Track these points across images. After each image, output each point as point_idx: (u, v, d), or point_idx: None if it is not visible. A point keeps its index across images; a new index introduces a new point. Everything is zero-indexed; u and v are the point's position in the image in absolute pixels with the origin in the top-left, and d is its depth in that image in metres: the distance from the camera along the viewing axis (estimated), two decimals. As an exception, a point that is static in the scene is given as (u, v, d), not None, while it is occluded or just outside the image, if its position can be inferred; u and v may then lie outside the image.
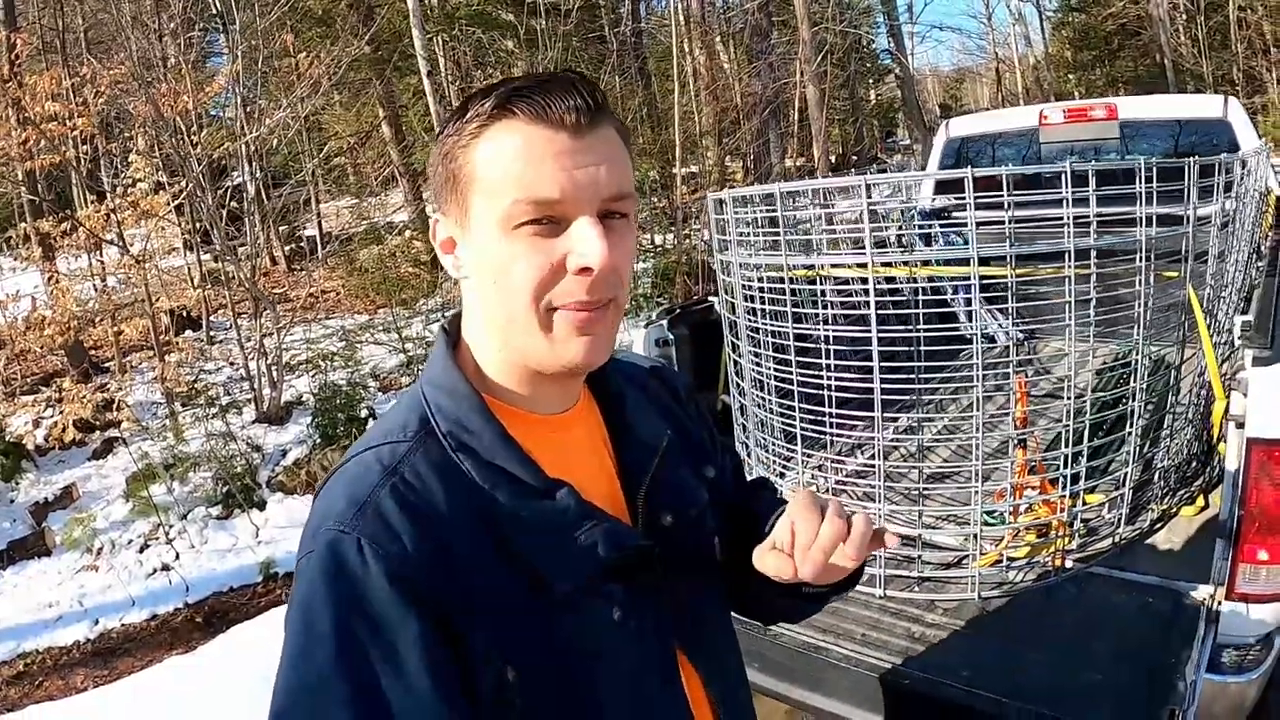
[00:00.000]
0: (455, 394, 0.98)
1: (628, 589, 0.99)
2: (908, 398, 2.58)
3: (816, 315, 2.75)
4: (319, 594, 0.85)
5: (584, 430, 1.08)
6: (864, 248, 2.41)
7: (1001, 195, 2.26)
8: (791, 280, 2.74)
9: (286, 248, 15.10)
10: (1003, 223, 2.30)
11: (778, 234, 2.64)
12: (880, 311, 2.41)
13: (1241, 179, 2.78)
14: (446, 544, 0.88)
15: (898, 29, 24.83)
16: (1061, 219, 2.29)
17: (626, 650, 0.98)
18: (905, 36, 27.75)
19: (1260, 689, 2.32)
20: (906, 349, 2.57)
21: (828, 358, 2.54)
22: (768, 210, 2.83)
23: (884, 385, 2.44)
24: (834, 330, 2.63)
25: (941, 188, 4.90)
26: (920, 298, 2.85)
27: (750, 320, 2.81)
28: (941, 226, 4.65)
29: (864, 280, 2.78)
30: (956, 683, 2.13)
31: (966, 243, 2.33)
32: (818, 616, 1.41)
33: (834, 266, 2.93)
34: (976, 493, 2.47)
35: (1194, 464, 2.99)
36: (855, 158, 23.42)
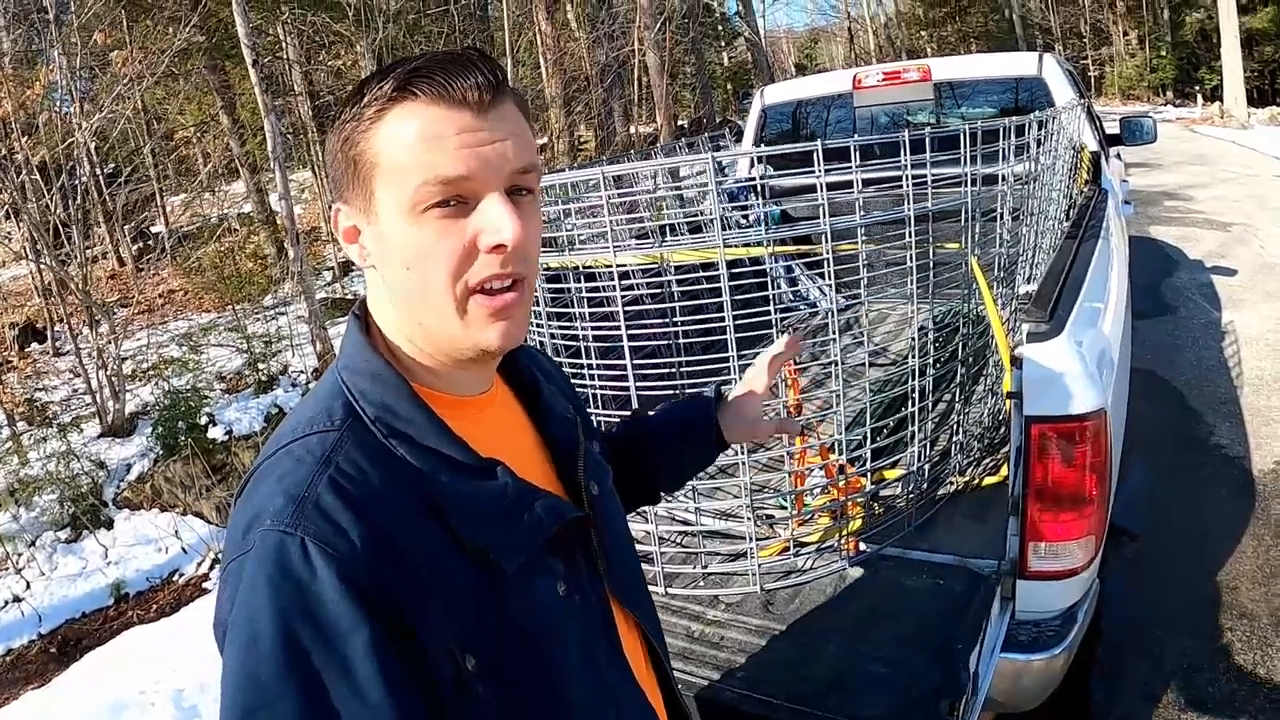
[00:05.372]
0: (379, 379, 0.93)
1: (567, 563, 1.00)
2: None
3: (581, 313, 2.59)
4: (262, 602, 0.78)
5: (503, 410, 1.09)
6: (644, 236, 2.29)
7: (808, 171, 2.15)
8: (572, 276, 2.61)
9: (135, 246, 14.35)
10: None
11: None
12: (660, 305, 2.30)
13: (1039, 141, 2.72)
14: (392, 535, 0.84)
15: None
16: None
17: (574, 622, 0.99)
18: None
19: (1067, 662, 2.24)
20: (671, 342, 2.44)
21: (588, 356, 2.41)
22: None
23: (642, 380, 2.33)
24: (594, 329, 2.48)
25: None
26: (692, 287, 2.67)
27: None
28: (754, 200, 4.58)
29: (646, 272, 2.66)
30: (732, 685, 2.02)
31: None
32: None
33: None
34: (744, 483, 2.36)
35: (1002, 430, 2.93)
36: (704, 120, 23.45)
